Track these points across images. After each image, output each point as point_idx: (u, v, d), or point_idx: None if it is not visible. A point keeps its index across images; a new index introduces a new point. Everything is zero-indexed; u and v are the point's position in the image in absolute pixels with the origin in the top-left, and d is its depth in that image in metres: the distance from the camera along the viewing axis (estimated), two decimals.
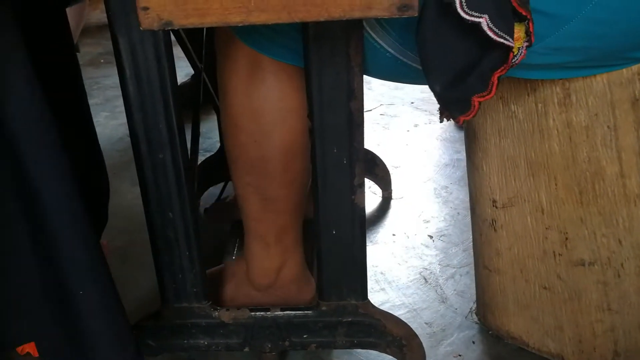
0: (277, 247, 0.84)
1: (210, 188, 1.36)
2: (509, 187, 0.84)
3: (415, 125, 1.69)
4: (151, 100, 0.72)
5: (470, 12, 0.54)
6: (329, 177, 0.76)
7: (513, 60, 0.57)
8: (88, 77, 2.13)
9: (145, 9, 0.55)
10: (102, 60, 2.33)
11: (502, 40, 0.54)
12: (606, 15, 0.61)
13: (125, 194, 1.41)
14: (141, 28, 0.55)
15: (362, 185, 0.76)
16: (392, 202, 1.33)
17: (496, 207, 0.86)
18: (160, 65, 0.70)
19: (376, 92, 1.89)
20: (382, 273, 1.11)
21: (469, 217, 1.08)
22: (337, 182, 0.76)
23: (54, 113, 0.76)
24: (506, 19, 0.55)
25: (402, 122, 1.72)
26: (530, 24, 0.56)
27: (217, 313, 0.84)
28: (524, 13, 0.55)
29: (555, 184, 0.78)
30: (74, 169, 0.65)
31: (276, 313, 0.84)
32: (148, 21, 0.55)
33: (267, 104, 0.73)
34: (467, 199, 1.32)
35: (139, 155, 0.76)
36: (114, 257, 1.19)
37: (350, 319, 0.83)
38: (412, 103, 1.83)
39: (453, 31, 0.57)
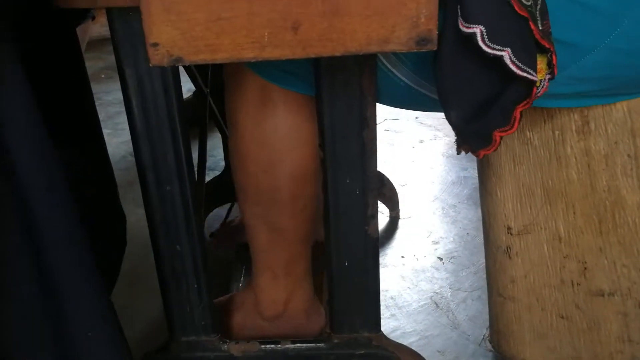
0: (286, 278, 0.82)
1: (216, 209, 1.35)
2: (524, 214, 0.81)
3: (421, 141, 1.68)
4: (158, 132, 0.70)
5: (492, 46, 0.52)
6: (341, 207, 0.74)
7: (536, 93, 0.55)
8: None
9: (155, 45, 0.53)
10: (102, 75, 2.31)
11: (525, 74, 0.52)
12: (629, 45, 0.59)
13: (129, 215, 1.38)
14: (150, 64, 0.53)
15: (375, 215, 0.74)
16: (400, 222, 1.31)
17: (511, 234, 0.84)
18: (168, 96, 0.68)
19: (380, 106, 1.87)
20: (392, 298, 1.08)
21: (479, 237, 1.06)
22: (350, 212, 0.74)
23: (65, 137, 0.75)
24: (529, 51, 0.53)
25: (407, 137, 1.70)
26: (554, 57, 0.54)
27: (226, 346, 0.82)
28: (546, 45, 0.53)
29: (574, 213, 0.76)
30: (78, 208, 0.63)
31: (287, 346, 0.82)
32: (158, 57, 0.53)
33: (277, 134, 0.72)
34: (476, 218, 1.30)
35: (146, 187, 0.74)
36: (119, 283, 1.17)
37: (363, 352, 0.81)
38: (416, 118, 1.81)
39: (473, 63, 0.55)
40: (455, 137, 0.63)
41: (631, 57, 0.60)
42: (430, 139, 1.68)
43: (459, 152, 0.64)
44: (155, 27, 0.52)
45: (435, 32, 0.52)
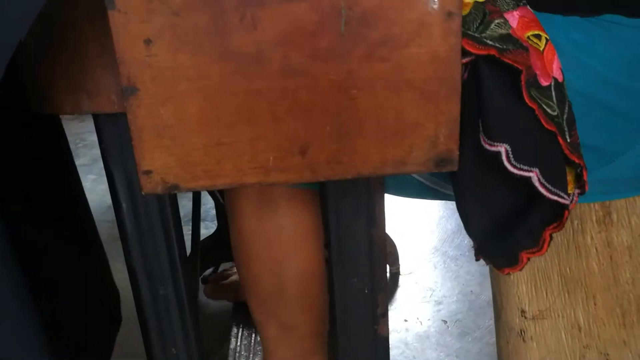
0: None
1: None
2: (539, 299, 0.77)
3: None
4: (151, 235, 0.65)
5: (518, 166, 0.48)
6: (348, 307, 0.68)
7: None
8: (72, 132, 2.04)
9: (148, 172, 0.48)
10: None
11: (556, 198, 0.48)
12: None
13: (116, 273, 1.31)
14: (143, 193, 0.48)
15: (385, 314, 0.69)
16: (401, 279, 1.27)
17: (525, 318, 0.80)
18: (160, 198, 0.63)
19: None
20: None
21: (483, 295, 1.01)
22: (358, 312, 0.69)
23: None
24: (559, 170, 0.48)
25: None
26: (584, 172, 0.49)
27: None
28: (576, 161, 0.49)
29: (594, 303, 0.72)
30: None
31: None
32: (151, 186, 0.48)
33: (281, 231, 0.67)
34: (478, 273, 1.26)
35: (138, 288, 0.68)
36: None
37: None
38: None
39: (495, 179, 0.51)
40: (474, 245, 0.58)
41: None
42: None
43: (477, 259, 0.59)
44: (148, 153, 0.47)
45: (456, 153, 0.47)
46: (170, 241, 0.65)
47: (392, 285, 1.25)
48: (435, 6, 0.44)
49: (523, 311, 0.79)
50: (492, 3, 0.50)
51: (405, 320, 1.14)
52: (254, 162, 0.47)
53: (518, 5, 0.52)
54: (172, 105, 0.46)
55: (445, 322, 1.14)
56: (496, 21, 0.48)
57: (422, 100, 0.46)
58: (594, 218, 0.68)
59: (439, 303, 1.19)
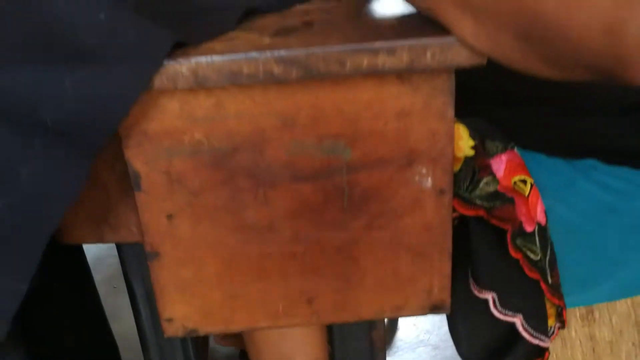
0: None
1: None
2: None
3: None
4: (169, 341, 0.70)
5: (504, 312, 0.53)
6: None
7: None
8: None
9: (170, 320, 0.53)
10: None
11: (537, 342, 0.53)
12: (636, 279, 0.60)
13: (126, 317, 1.37)
14: (165, 336, 0.53)
15: None
16: (400, 321, 1.32)
17: None
18: None
19: None
20: None
21: None
22: None
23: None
24: (541, 315, 0.54)
25: None
26: (564, 312, 0.55)
27: None
28: (556, 302, 0.54)
29: None
30: None
31: None
32: (172, 330, 0.53)
33: (285, 332, 0.72)
34: None
35: None
36: None
37: None
38: None
39: (484, 319, 0.56)
40: None
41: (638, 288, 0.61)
42: None
43: None
44: (169, 305, 0.52)
45: (448, 301, 0.53)
46: (186, 347, 0.71)
47: (391, 328, 1.31)
48: (429, 185, 0.48)
49: None
50: (481, 151, 0.55)
51: None
52: (265, 310, 0.53)
53: (506, 149, 0.57)
54: (191, 267, 0.51)
55: None
56: (484, 180, 0.53)
57: (417, 260, 0.51)
58: (578, 314, 0.73)
59: (435, 348, 1.24)
